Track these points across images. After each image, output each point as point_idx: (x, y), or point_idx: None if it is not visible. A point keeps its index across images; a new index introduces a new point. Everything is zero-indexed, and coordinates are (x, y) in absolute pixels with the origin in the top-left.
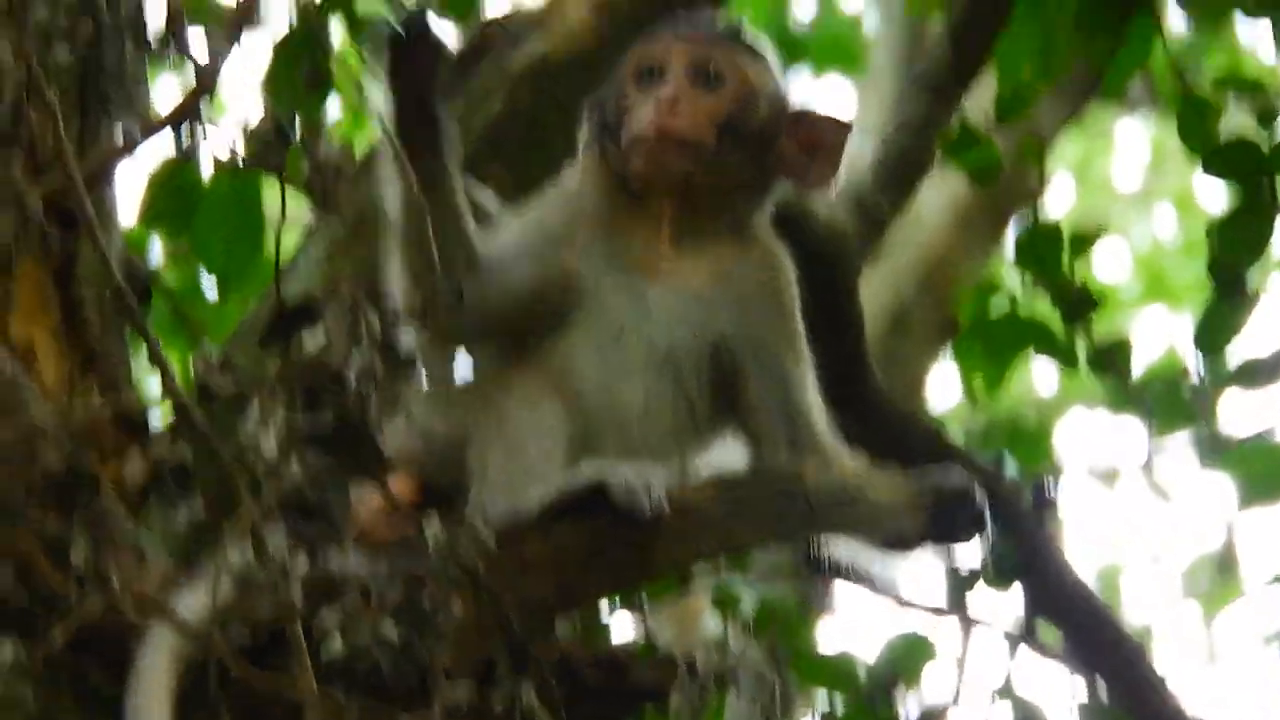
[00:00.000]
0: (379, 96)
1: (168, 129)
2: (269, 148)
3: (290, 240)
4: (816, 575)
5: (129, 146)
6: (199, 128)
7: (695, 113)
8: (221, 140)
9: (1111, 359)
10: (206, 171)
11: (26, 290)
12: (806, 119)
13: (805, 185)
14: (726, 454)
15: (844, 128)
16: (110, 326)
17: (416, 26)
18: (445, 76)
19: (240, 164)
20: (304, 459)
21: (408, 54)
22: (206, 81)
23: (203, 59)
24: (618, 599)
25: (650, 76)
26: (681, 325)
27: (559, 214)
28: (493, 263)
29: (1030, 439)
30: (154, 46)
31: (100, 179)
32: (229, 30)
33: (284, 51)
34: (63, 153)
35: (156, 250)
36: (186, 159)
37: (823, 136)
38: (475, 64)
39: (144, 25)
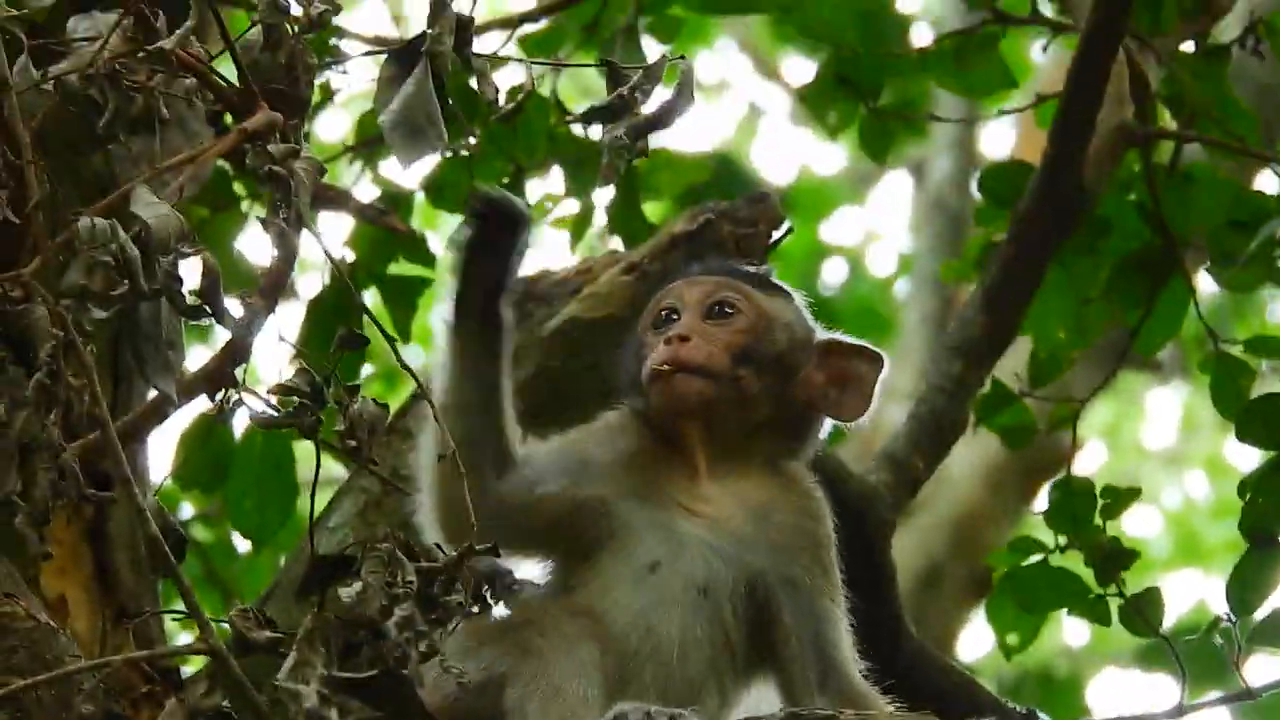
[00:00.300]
0: (448, 286)
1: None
2: (303, 408)
3: (323, 497)
4: None
5: (163, 410)
6: (231, 392)
7: (708, 342)
8: (254, 401)
9: (1142, 611)
10: (238, 430)
11: (59, 547)
12: (837, 348)
13: (836, 417)
14: (758, 702)
15: (876, 359)
16: (143, 580)
17: (502, 206)
18: (517, 272)
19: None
20: (344, 709)
21: (488, 237)
22: (240, 348)
23: (236, 319)
24: None
25: (666, 320)
26: (716, 561)
27: (597, 446)
28: (528, 471)
29: (1063, 691)
30: (189, 311)
31: (133, 438)
32: (263, 296)
33: (317, 312)
34: (99, 413)
35: (188, 507)
36: (220, 423)
37: (853, 367)
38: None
39: (179, 290)
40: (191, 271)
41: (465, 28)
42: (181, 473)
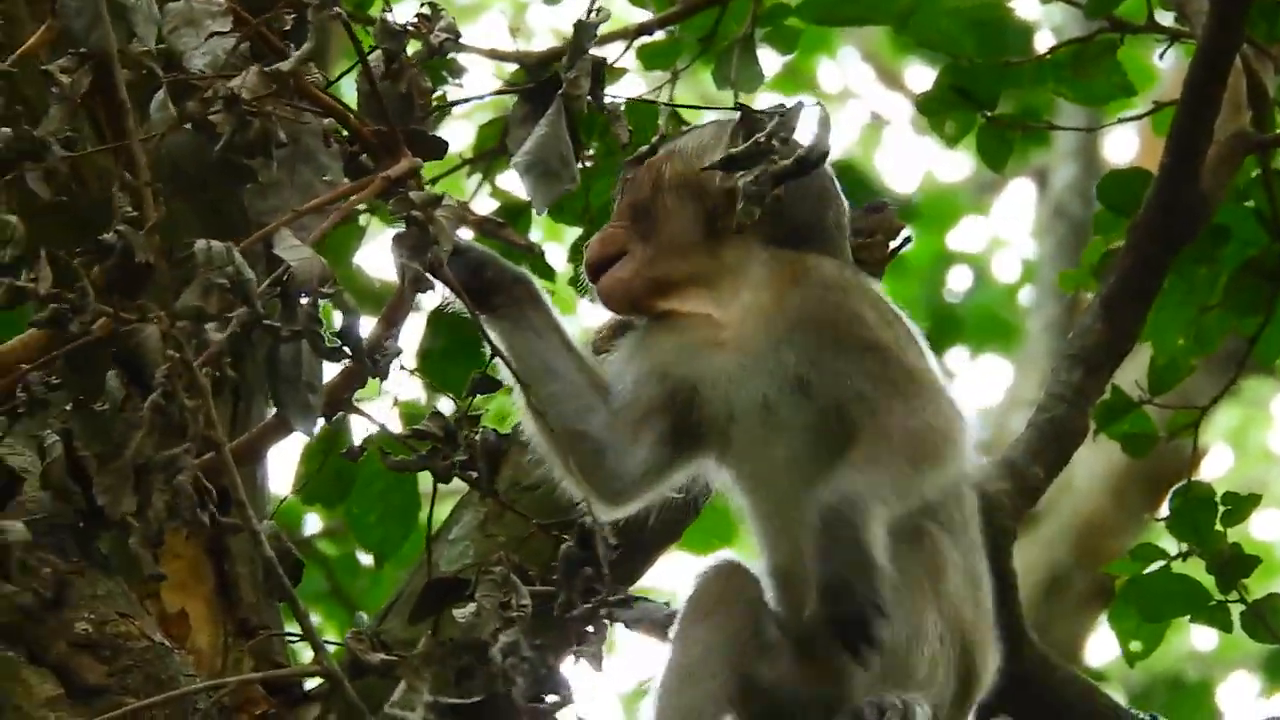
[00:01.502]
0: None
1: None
2: (435, 452)
3: (444, 509)
4: None
5: (284, 428)
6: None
7: (604, 233)
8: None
9: (1264, 618)
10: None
11: (180, 561)
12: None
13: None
14: None
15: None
16: (264, 595)
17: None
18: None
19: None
20: None
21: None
22: (361, 373)
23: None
24: None
25: None
26: (751, 379)
27: (643, 338)
28: (622, 388)
29: (1193, 696)
30: (329, 354)
31: (253, 456)
32: (387, 323)
33: (437, 324)
34: (214, 435)
35: (313, 521)
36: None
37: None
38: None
39: (319, 332)
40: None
41: (599, 70)
42: (304, 488)
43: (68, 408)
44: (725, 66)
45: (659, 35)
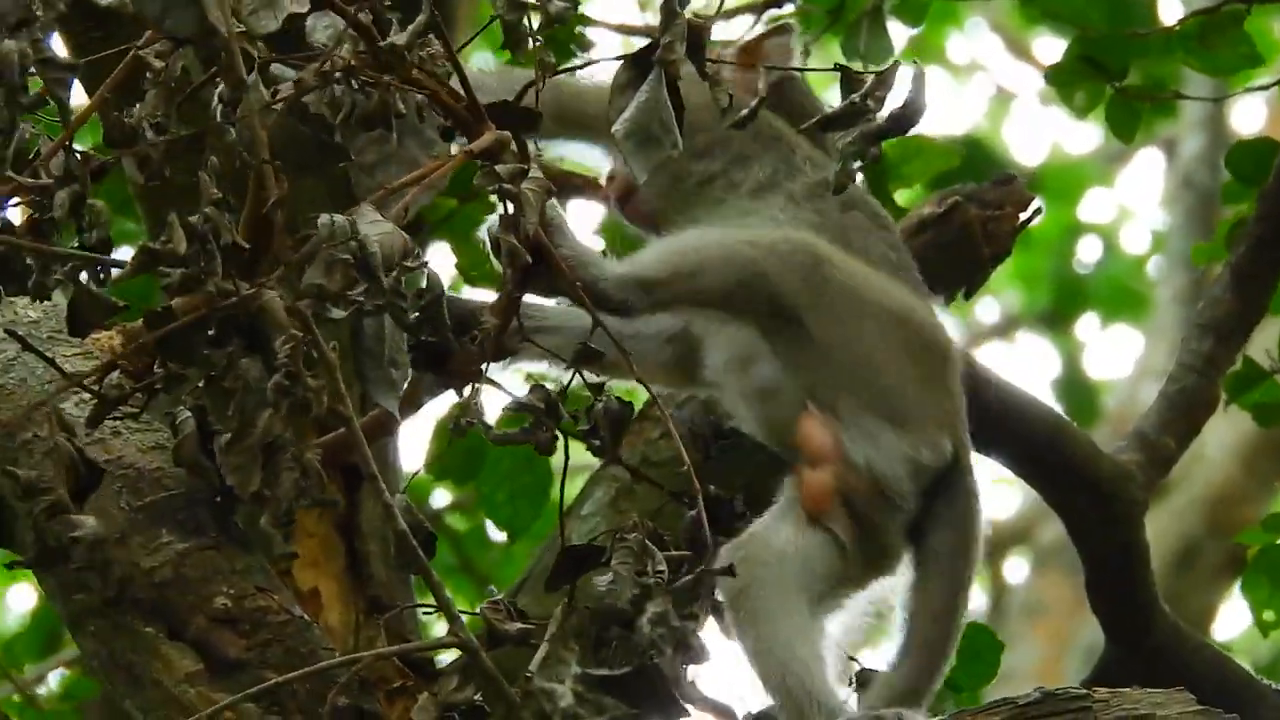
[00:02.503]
0: None
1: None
2: (538, 424)
3: (576, 485)
4: None
5: (415, 402)
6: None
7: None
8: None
9: None
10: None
11: (311, 540)
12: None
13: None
14: None
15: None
16: (395, 572)
17: None
18: None
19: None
20: (599, 706)
21: None
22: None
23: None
24: None
25: None
26: None
27: None
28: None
29: None
30: (412, 328)
31: (382, 431)
32: (493, 313)
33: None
34: (343, 410)
35: (442, 495)
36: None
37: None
38: None
39: (402, 306)
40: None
41: (698, 34)
42: (435, 464)
43: (201, 384)
44: (854, 39)
45: (788, 8)
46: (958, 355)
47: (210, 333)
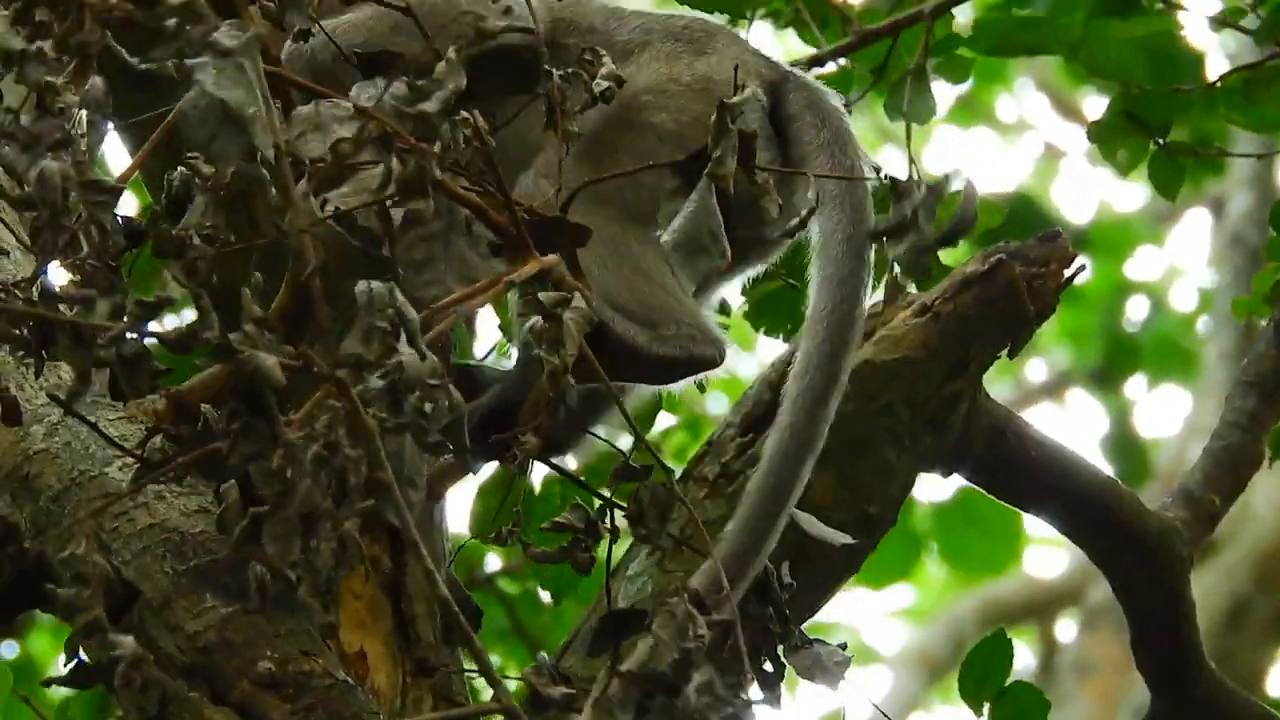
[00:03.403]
0: None
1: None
2: (576, 543)
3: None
4: None
5: (461, 469)
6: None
7: None
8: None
9: None
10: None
11: (358, 601)
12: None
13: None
14: None
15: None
16: (443, 635)
17: None
18: None
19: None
20: None
21: None
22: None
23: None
24: None
25: None
26: None
27: None
28: None
29: None
30: (432, 448)
31: (428, 496)
32: (527, 424)
33: None
34: (383, 477)
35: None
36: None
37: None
38: None
39: (423, 428)
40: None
41: (749, 145)
42: (481, 528)
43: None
44: (898, 98)
45: (831, 67)
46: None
47: (239, 403)
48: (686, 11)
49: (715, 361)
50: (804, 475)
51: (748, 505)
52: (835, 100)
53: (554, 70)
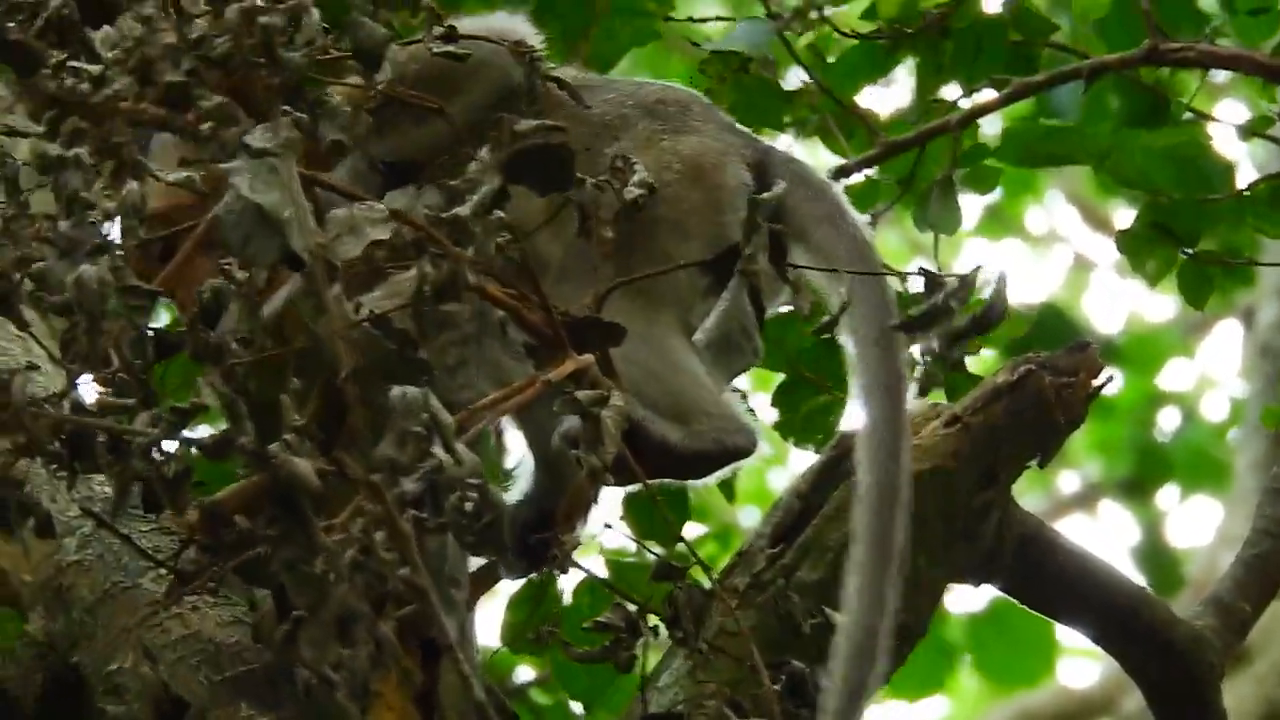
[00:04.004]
0: None
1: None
2: (618, 643)
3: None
4: None
5: (491, 577)
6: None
7: None
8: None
9: None
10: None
11: (390, 714)
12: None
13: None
14: None
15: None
16: None
17: None
18: None
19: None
20: None
21: None
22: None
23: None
24: None
25: None
26: None
27: None
28: None
29: None
30: (472, 547)
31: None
32: (563, 519)
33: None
34: (418, 581)
35: (524, 671)
36: (547, 582)
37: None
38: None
39: (464, 526)
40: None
41: (780, 241)
42: (512, 637)
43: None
44: (925, 209)
45: (857, 178)
46: None
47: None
48: (653, 82)
49: (748, 451)
50: (892, 592)
51: (847, 636)
52: (821, 174)
53: (586, 178)
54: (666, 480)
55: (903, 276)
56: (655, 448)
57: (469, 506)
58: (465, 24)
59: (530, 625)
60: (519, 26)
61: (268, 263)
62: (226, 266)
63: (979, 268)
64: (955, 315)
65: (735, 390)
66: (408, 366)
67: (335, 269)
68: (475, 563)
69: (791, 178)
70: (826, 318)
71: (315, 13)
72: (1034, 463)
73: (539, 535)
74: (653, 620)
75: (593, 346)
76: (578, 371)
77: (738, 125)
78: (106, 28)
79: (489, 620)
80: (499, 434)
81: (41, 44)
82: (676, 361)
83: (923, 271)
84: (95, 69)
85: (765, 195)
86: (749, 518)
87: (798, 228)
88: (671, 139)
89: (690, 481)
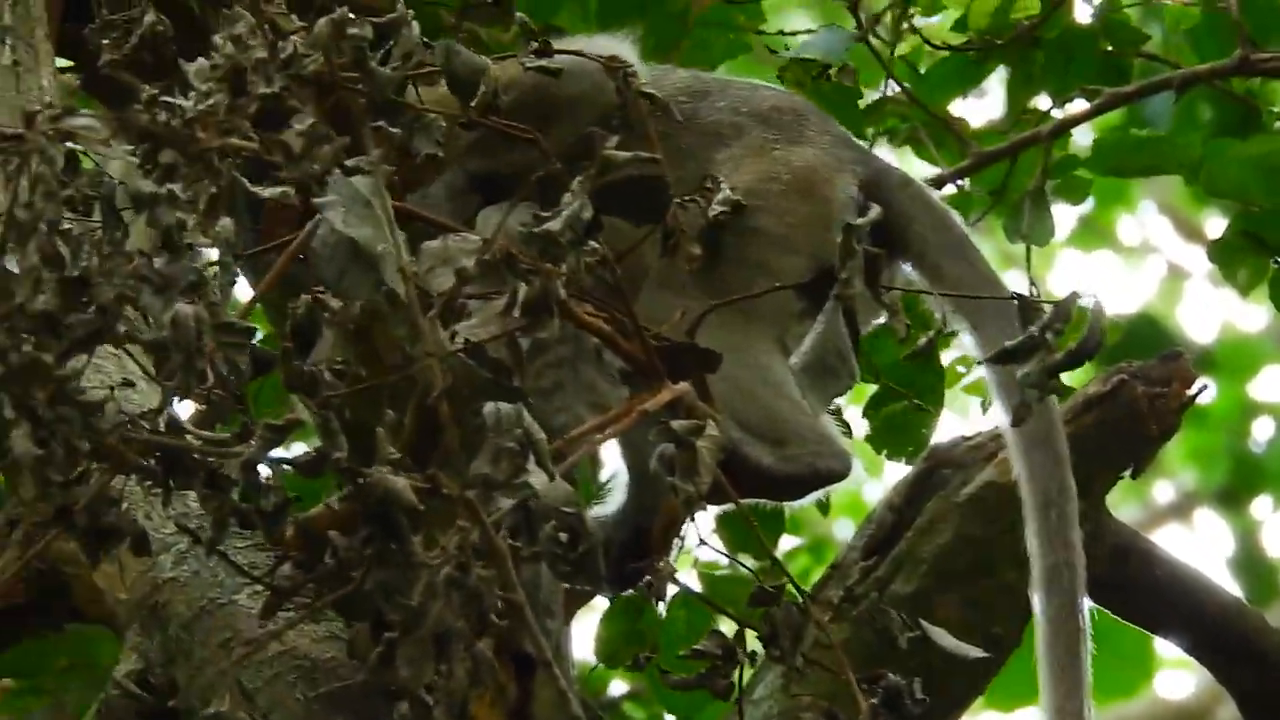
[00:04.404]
0: None
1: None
2: (715, 670)
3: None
4: None
5: (584, 596)
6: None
7: None
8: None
9: None
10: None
11: None
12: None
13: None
14: None
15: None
16: None
17: None
18: None
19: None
20: None
21: None
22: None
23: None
24: None
25: None
26: None
27: None
28: None
29: None
30: (567, 577)
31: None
32: (658, 544)
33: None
34: (514, 598)
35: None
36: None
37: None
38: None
39: (559, 556)
40: None
41: (875, 263)
42: (607, 652)
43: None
44: (1017, 220)
45: (949, 189)
46: None
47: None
48: (769, 87)
49: (842, 475)
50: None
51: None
52: (938, 197)
53: (673, 198)
54: (759, 500)
55: (1006, 300)
56: (749, 470)
57: (563, 536)
58: (565, 46)
59: (625, 639)
60: (620, 48)
61: (362, 297)
62: (320, 295)
63: (1075, 294)
64: (1051, 346)
65: (830, 409)
66: (503, 394)
67: (430, 300)
68: None
69: (911, 201)
70: (923, 340)
71: (415, 26)
72: (1127, 473)
73: (634, 564)
74: (750, 639)
75: (688, 373)
76: (674, 400)
77: (853, 139)
78: (201, 60)
79: (584, 634)
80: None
81: (133, 76)
82: (773, 382)
83: (1018, 297)
84: (189, 104)
85: (861, 220)
86: (844, 530)
87: (917, 253)
88: (784, 149)
89: (783, 502)
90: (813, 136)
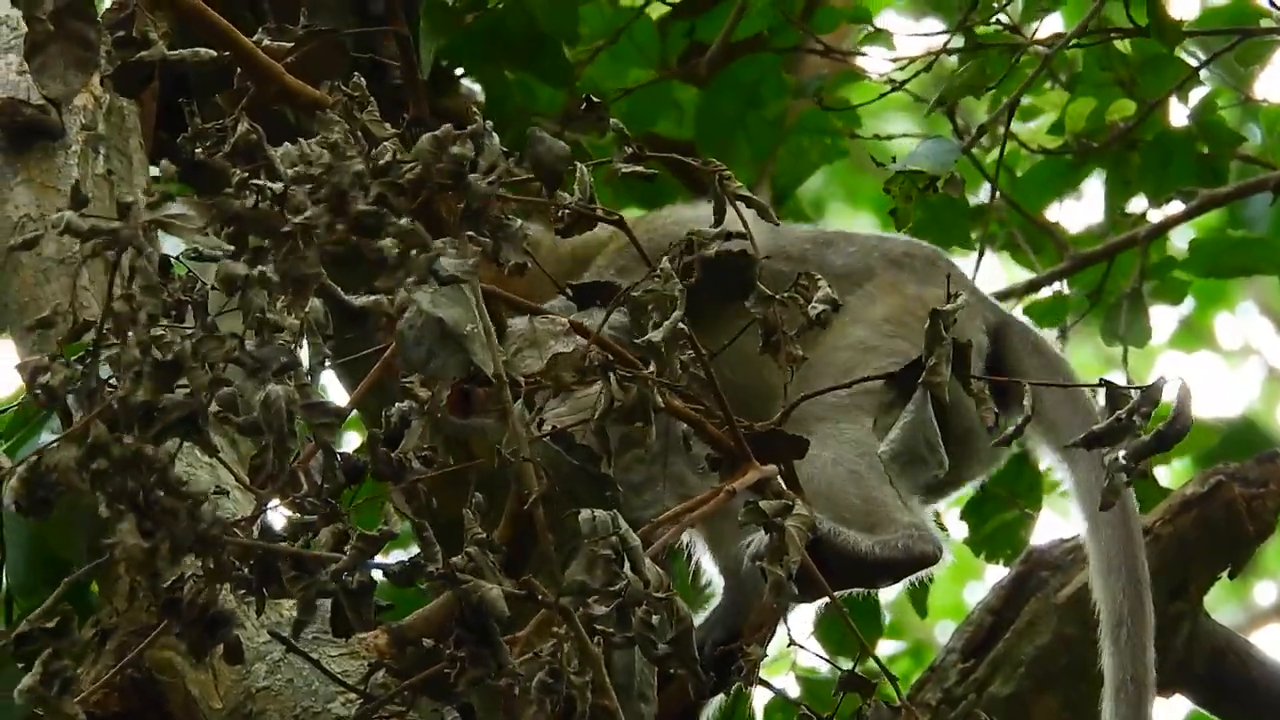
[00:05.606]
0: None
1: None
2: None
3: None
4: None
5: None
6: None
7: None
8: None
9: None
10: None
11: None
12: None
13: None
14: None
15: None
16: None
17: None
18: None
19: None
20: None
21: None
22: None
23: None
24: None
25: None
26: None
27: None
28: None
29: None
30: (660, 661)
31: None
32: (750, 633)
33: None
34: (609, 705)
35: None
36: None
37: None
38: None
39: (652, 640)
40: None
41: (963, 353)
42: None
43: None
44: (1114, 322)
45: (1046, 292)
46: None
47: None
48: (897, 235)
49: (934, 559)
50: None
51: None
52: (1055, 348)
53: (771, 294)
54: (853, 589)
55: (1093, 390)
56: (843, 556)
57: (656, 620)
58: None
59: None
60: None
61: (451, 378)
62: (409, 385)
63: (1162, 380)
64: (1138, 430)
65: (926, 503)
66: (593, 483)
67: (518, 384)
68: None
69: (1027, 346)
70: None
71: (496, 138)
72: (1225, 574)
73: (724, 646)
74: None
75: (777, 459)
76: (761, 482)
77: (980, 289)
78: (287, 145)
79: None
80: (690, 555)
81: (225, 163)
82: (871, 466)
83: (1104, 383)
84: (277, 186)
85: (949, 306)
86: (944, 634)
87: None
88: (918, 288)
89: (878, 588)
90: (944, 281)
